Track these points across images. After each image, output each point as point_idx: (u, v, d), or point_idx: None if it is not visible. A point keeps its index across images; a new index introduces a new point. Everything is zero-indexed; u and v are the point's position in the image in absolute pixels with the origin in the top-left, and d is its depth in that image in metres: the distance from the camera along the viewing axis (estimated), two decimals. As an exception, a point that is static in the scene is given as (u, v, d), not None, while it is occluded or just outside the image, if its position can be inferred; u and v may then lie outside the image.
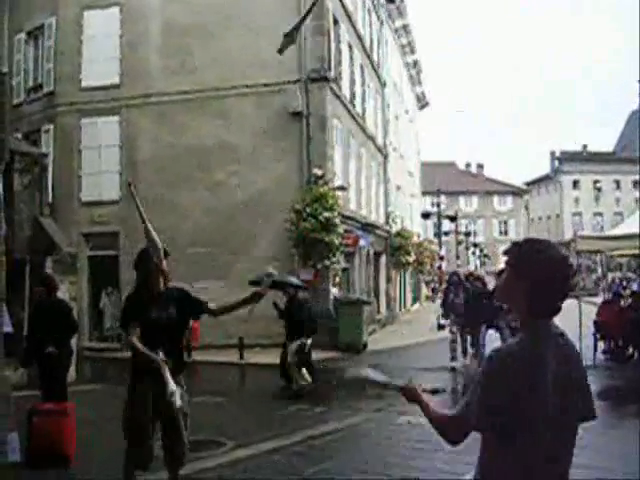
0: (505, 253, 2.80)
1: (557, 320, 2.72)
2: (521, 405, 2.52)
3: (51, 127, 25.09)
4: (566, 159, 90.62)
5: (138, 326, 6.08)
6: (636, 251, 17.04)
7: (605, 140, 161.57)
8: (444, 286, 23.64)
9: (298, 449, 8.95)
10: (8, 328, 8.69)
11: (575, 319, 15.49)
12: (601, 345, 17.29)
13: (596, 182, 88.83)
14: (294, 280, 15.08)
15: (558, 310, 2.70)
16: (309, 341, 14.19)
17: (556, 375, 2.58)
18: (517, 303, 2.71)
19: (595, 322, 17.35)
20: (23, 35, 26.20)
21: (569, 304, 11.29)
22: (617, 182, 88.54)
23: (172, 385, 5.81)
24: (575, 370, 2.72)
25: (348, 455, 8.70)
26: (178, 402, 5.83)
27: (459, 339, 17.18)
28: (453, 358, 16.99)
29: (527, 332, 2.66)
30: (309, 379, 13.96)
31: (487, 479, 2.67)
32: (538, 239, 2.80)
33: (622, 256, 28.99)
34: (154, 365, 5.85)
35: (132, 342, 6.06)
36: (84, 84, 24.57)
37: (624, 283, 28.45)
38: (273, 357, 19.49)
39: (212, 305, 6.42)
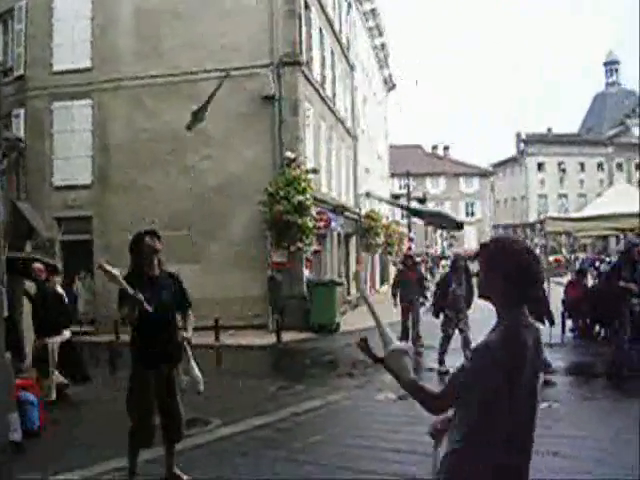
0: (477, 254, 3.22)
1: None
2: (506, 383, 2.89)
3: (22, 111, 24.88)
4: (531, 141, 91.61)
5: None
6: (603, 232, 17.52)
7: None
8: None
9: (283, 425, 9.24)
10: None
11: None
12: (569, 324, 17.79)
13: (561, 164, 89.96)
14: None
15: (530, 298, 3.07)
16: (67, 333, 11.42)
17: (533, 351, 2.99)
18: (494, 295, 3.08)
19: (563, 301, 17.86)
20: (-7, 18, 26.05)
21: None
22: (581, 164, 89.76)
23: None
24: (542, 348, 3.14)
25: (332, 430, 9.00)
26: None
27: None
28: (441, 362, 13.53)
29: (506, 320, 3.03)
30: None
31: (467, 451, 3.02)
32: (503, 237, 3.26)
33: (587, 237, 29.57)
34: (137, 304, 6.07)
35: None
36: (55, 68, 24.40)
37: (596, 264, 28.94)
38: (249, 339, 19.89)
39: (190, 314, 6.77)
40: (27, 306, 11.32)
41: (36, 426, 8.51)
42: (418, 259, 22.94)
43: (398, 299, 17.38)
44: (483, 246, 3.20)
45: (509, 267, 2.98)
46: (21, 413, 8.15)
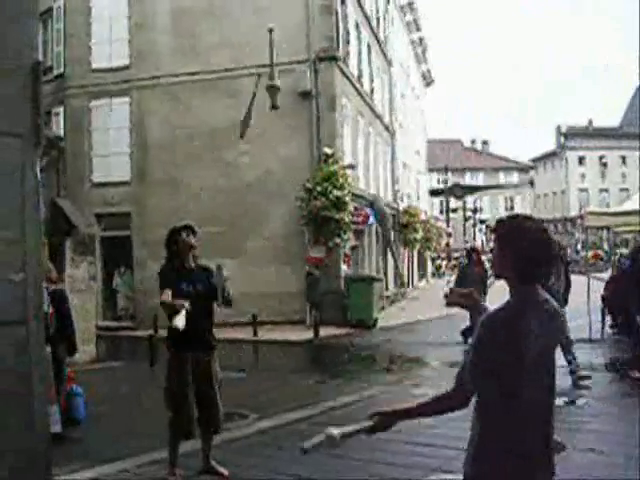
0: (492, 230, 3.21)
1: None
2: (511, 359, 2.84)
3: (61, 109, 25.28)
4: (572, 135, 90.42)
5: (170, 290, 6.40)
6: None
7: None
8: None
9: (321, 419, 9.22)
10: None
11: (584, 294, 15.70)
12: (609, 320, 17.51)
13: (602, 158, 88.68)
14: None
15: (543, 276, 3.07)
16: None
17: (541, 330, 2.91)
18: (507, 272, 3.04)
19: (603, 297, 17.54)
20: (32, 18, 26.32)
21: (578, 280, 11.46)
22: (623, 158, 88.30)
23: (179, 321, 6.15)
24: (559, 326, 3.12)
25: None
26: (179, 323, 6.18)
27: None
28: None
29: (516, 297, 3.00)
30: None
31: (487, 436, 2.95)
32: (518, 214, 3.23)
33: (629, 232, 29.07)
34: (178, 307, 6.18)
35: (162, 299, 6.36)
36: (94, 66, 24.76)
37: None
38: (287, 334, 19.93)
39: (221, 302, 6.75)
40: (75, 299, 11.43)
41: (82, 416, 8.69)
42: (457, 254, 22.67)
43: None
44: (498, 223, 3.18)
45: (521, 244, 2.98)
46: (71, 405, 8.48)
